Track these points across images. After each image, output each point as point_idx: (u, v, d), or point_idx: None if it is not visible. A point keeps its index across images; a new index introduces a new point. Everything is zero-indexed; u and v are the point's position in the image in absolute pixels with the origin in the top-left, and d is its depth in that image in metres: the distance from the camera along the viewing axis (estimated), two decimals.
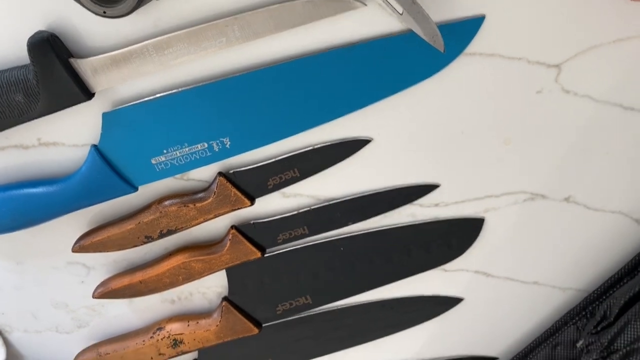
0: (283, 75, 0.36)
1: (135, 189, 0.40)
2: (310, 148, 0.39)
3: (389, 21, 0.35)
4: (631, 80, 0.36)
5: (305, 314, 0.47)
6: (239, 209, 0.41)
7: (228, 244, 0.42)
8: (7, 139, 0.39)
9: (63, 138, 0.39)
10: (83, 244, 0.42)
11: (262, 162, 0.40)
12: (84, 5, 0.33)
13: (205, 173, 0.41)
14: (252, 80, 0.36)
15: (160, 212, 0.40)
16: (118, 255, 0.45)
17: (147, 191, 0.41)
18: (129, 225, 0.41)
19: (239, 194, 0.40)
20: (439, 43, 0.33)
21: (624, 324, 0.37)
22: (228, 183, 0.40)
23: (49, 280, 0.46)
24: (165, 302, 0.47)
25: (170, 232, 0.41)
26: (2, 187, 0.40)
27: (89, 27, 0.35)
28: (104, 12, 0.33)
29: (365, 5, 0.33)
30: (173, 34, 0.35)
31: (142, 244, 0.41)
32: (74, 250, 0.42)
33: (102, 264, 0.45)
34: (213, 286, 0.46)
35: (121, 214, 0.42)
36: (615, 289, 0.42)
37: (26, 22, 0.35)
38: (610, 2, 0.34)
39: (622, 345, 0.37)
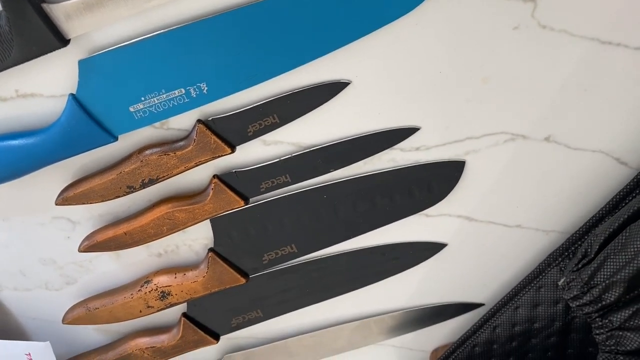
0: (256, 16, 0.36)
1: (115, 138, 0.40)
2: (289, 92, 0.39)
3: None
4: (607, 13, 0.36)
5: (292, 264, 0.47)
6: (219, 156, 0.41)
7: (211, 193, 0.42)
8: None
9: (41, 89, 0.39)
10: (66, 196, 0.42)
11: (240, 108, 0.40)
12: None
13: (184, 122, 0.41)
14: (225, 22, 0.36)
15: (141, 161, 0.40)
16: (103, 209, 0.45)
17: (128, 142, 0.41)
18: (111, 176, 0.41)
19: (218, 141, 0.40)
20: None
21: (603, 259, 0.38)
22: (207, 130, 0.40)
23: (35, 237, 0.47)
24: (152, 256, 0.48)
25: (152, 182, 0.41)
26: None
27: None
28: None
29: None
30: None
31: (124, 195, 0.42)
32: (58, 202, 0.42)
33: (88, 219, 0.46)
34: (199, 238, 0.47)
35: (103, 165, 0.43)
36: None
37: None
38: None
39: (602, 279, 0.37)
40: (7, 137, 0.40)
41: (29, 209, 0.45)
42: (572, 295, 0.39)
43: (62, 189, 0.43)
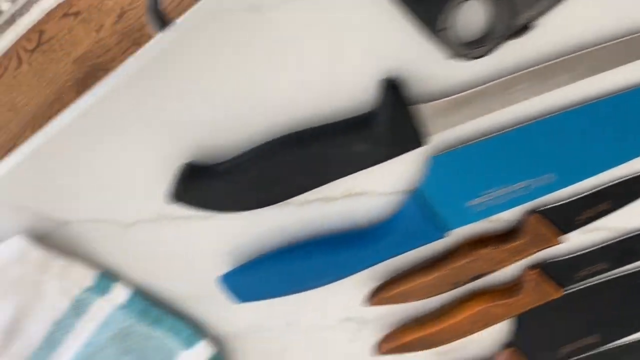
0: (616, 108, 0.36)
1: (444, 235, 0.39)
2: (629, 177, 0.38)
3: None
4: None
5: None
6: (547, 247, 0.39)
7: (529, 286, 0.41)
8: (313, 193, 0.38)
9: (371, 187, 0.38)
10: (383, 296, 0.40)
11: (570, 197, 0.39)
12: (451, 49, 0.33)
13: (508, 213, 0.40)
14: (590, 113, 0.36)
15: (473, 255, 0.39)
16: (388, 309, 0.43)
17: (447, 237, 0.40)
18: (438, 272, 0.39)
19: (549, 232, 0.39)
20: None
21: None
22: (540, 222, 0.39)
23: (315, 342, 0.45)
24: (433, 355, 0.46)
25: (478, 277, 0.40)
26: (302, 245, 0.39)
27: (429, 71, 0.35)
28: (466, 55, 0.33)
29: None
30: (518, 73, 0.34)
31: (447, 291, 0.40)
32: (373, 303, 0.41)
33: (372, 320, 0.44)
34: (492, 332, 0.44)
35: (409, 261, 0.41)
36: None
37: (368, 68, 0.35)
38: None
39: None
40: (328, 240, 0.39)
41: (316, 312, 0.43)
42: None
43: (355, 290, 0.42)
